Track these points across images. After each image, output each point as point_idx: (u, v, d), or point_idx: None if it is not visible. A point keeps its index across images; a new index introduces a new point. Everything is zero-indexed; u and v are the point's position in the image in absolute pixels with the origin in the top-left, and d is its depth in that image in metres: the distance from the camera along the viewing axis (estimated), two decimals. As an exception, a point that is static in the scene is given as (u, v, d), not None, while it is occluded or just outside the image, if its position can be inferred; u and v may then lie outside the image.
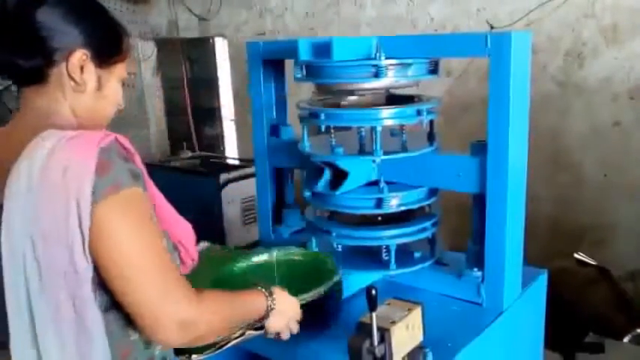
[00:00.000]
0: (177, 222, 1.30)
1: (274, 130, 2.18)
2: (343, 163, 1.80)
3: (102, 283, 1.09)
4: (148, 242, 1.10)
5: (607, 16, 3.24)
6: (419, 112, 1.77)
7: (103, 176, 1.04)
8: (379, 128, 1.74)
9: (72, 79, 1.16)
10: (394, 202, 1.85)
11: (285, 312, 1.42)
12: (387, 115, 1.74)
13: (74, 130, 1.14)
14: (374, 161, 1.80)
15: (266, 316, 1.37)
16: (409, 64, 1.75)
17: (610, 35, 3.24)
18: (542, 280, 1.96)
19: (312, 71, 1.81)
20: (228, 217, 4.27)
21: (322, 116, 1.78)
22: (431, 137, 1.90)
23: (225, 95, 5.77)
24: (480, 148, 1.71)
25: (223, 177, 4.29)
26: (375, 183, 1.88)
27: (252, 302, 1.36)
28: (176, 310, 1.09)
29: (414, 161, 1.82)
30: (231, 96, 5.56)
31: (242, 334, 1.40)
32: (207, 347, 1.42)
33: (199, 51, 5.85)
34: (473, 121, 3.44)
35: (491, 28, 3.60)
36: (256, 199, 2.32)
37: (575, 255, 3.05)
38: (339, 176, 1.81)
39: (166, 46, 5.99)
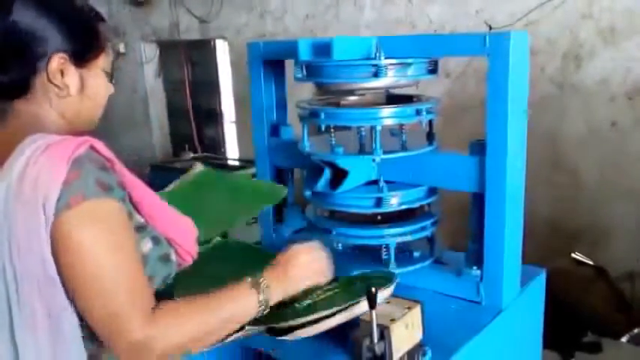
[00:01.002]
0: (174, 220, 1.28)
1: (274, 130, 2.19)
2: (343, 163, 1.81)
3: None
4: (104, 257, 1.07)
5: (604, 18, 3.25)
6: (418, 112, 1.78)
7: (69, 186, 1.03)
8: (379, 128, 1.75)
9: (54, 84, 1.15)
10: (394, 201, 1.85)
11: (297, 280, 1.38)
12: (387, 115, 1.75)
13: (63, 133, 1.14)
14: (374, 160, 1.80)
15: (265, 308, 1.29)
16: (409, 64, 1.76)
17: (607, 36, 3.26)
18: (541, 279, 1.97)
19: (312, 71, 1.82)
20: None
21: (322, 115, 1.79)
22: (430, 137, 1.90)
23: (226, 97, 5.79)
24: (479, 148, 1.72)
25: (224, 178, 4.29)
26: (375, 182, 1.88)
27: (235, 302, 1.26)
28: (126, 330, 1.07)
29: (414, 160, 1.82)
30: (232, 98, 5.57)
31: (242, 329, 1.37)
32: None
33: (200, 53, 5.87)
34: (472, 122, 3.45)
35: (490, 28, 3.61)
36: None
37: (573, 255, 3.07)
38: (339, 175, 1.82)
39: (168, 49, 6.01)
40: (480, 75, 3.40)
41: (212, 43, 5.68)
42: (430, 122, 1.88)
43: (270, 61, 2.13)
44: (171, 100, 6.32)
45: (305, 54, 1.75)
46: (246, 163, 4.75)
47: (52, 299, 1.06)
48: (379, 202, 1.85)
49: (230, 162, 5.19)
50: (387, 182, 1.87)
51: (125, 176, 1.14)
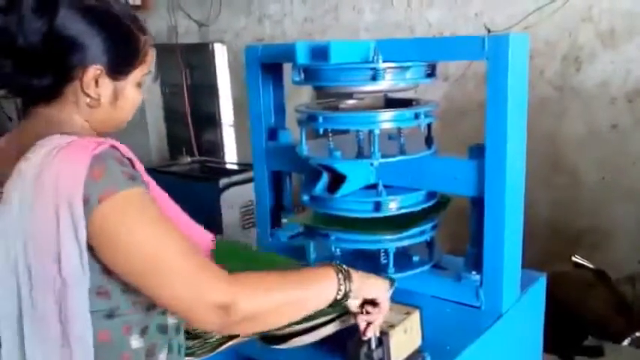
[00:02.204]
0: (188, 226, 1.28)
1: (272, 134, 2.18)
2: (341, 167, 1.80)
3: (107, 292, 1.09)
4: (159, 234, 1.07)
5: (604, 20, 3.25)
6: (417, 116, 1.77)
7: (97, 180, 1.02)
8: (377, 131, 1.74)
9: (86, 94, 1.15)
10: (393, 206, 1.84)
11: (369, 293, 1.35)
12: (385, 119, 1.74)
13: (81, 135, 1.14)
14: (372, 164, 1.79)
15: (343, 297, 1.28)
16: (407, 68, 1.75)
17: (607, 39, 3.26)
18: (541, 283, 1.96)
19: (309, 74, 1.81)
20: (228, 221, 4.28)
21: (320, 119, 1.78)
22: (429, 140, 1.90)
23: (224, 101, 5.78)
24: (478, 152, 1.71)
25: (223, 182, 4.31)
26: (374, 186, 1.87)
27: (315, 278, 1.26)
28: (208, 295, 1.07)
29: (412, 164, 1.81)
30: (231, 101, 5.57)
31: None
32: (204, 349, 1.42)
33: (198, 57, 5.87)
34: (471, 125, 3.45)
35: (489, 32, 3.61)
36: (255, 203, 2.31)
37: (573, 258, 3.06)
38: (337, 180, 1.81)
39: (166, 52, 6.01)
40: (479, 78, 3.41)
41: (210, 46, 5.67)
42: (429, 126, 1.87)
43: (267, 65, 2.12)
44: (168, 104, 6.32)
45: (302, 57, 1.75)
46: (244, 166, 4.74)
47: (65, 302, 1.05)
48: (378, 206, 1.84)
49: (228, 166, 5.18)
50: (385, 186, 1.86)
51: (146, 178, 1.15)
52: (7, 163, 1.10)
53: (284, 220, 2.23)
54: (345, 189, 1.80)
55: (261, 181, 2.23)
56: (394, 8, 4.09)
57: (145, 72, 1.25)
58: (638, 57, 3.18)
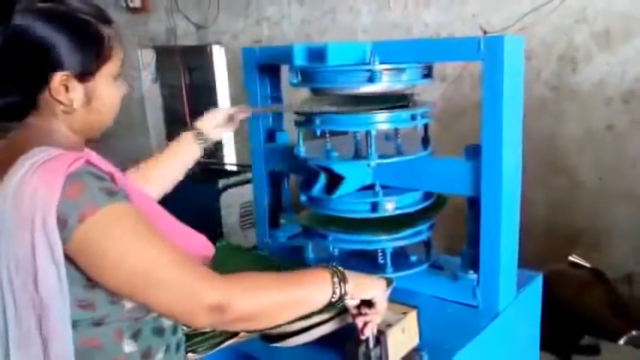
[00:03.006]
0: (187, 235, 1.28)
1: (270, 136, 2.19)
2: (338, 168, 1.81)
3: (92, 304, 1.09)
4: (144, 246, 1.07)
5: (599, 22, 3.26)
6: (413, 117, 1.78)
7: (75, 200, 1.01)
8: (374, 132, 1.76)
9: (58, 101, 1.12)
10: (390, 206, 1.85)
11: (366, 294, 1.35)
12: (382, 120, 1.76)
13: (69, 145, 1.14)
14: (369, 165, 1.81)
15: (338, 299, 1.28)
16: (403, 69, 1.77)
17: (602, 40, 3.27)
18: (538, 282, 1.97)
19: (307, 76, 1.83)
20: (227, 222, 4.29)
21: (317, 121, 1.79)
22: (425, 141, 1.91)
23: (223, 102, 5.78)
24: (474, 152, 1.72)
25: (222, 183, 4.31)
26: (371, 187, 1.88)
27: (310, 279, 1.26)
28: (202, 297, 1.07)
29: (409, 165, 1.82)
30: (229, 103, 5.57)
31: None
32: (206, 346, 1.43)
33: (197, 58, 5.87)
34: (467, 125, 3.46)
35: (484, 33, 3.62)
36: (253, 203, 2.32)
37: (570, 258, 3.07)
38: (335, 180, 1.82)
39: (165, 54, 6.01)
40: (476, 79, 3.42)
41: (209, 48, 5.68)
42: (425, 126, 1.88)
43: (265, 67, 2.13)
44: (168, 105, 6.32)
45: (299, 59, 1.76)
46: (243, 167, 4.75)
47: (44, 319, 1.04)
48: (375, 206, 1.85)
49: (227, 167, 5.19)
50: (382, 187, 1.87)
51: (132, 191, 1.13)
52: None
53: (282, 221, 2.24)
54: (342, 190, 1.81)
55: (260, 182, 2.24)
56: (391, 9, 4.10)
57: (117, 64, 1.20)
58: (634, 58, 3.19)
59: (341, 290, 1.28)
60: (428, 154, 1.86)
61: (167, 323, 1.24)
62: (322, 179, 1.85)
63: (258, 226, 2.30)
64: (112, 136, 1.23)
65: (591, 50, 3.31)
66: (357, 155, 1.88)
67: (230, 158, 5.78)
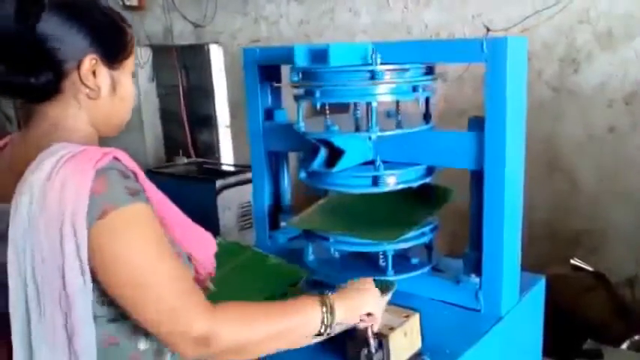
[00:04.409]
0: (196, 236, 1.27)
1: (269, 115, 2.17)
2: (339, 141, 1.78)
3: (111, 301, 1.09)
4: (151, 256, 1.07)
5: (601, 22, 3.25)
6: (415, 89, 1.76)
7: (99, 195, 1.02)
8: (375, 104, 1.73)
9: (86, 86, 1.14)
10: (391, 180, 1.82)
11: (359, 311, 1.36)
12: (383, 91, 1.73)
13: (84, 139, 1.15)
14: (370, 138, 1.77)
15: (325, 329, 1.27)
16: (405, 70, 1.75)
17: (604, 41, 3.26)
18: (540, 286, 1.96)
19: (308, 77, 1.81)
20: (225, 223, 4.27)
21: (317, 93, 1.77)
22: (427, 116, 1.89)
23: (220, 102, 5.77)
24: (477, 124, 1.70)
25: (219, 183, 4.30)
26: (372, 163, 1.86)
27: (299, 311, 1.25)
28: (188, 326, 1.06)
29: (411, 138, 1.80)
30: (227, 102, 5.56)
31: None
32: None
33: (194, 58, 5.85)
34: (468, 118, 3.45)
35: (487, 30, 3.60)
36: (252, 197, 2.29)
37: (572, 261, 3.06)
38: (335, 155, 1.79)
39: (162, 53, 5.99)
40: (477, 79, 3.40)
41: (206, 47, 5.66)
42: (427, 101, 1.87)
43: (265, 67, 2.12)
44: (164, 105, 6.30)
45: (301, 60, 1.74)
46: (241, 168, 4.73)
47: (69, 315, 1.04)
48: (376, 180, 1.82)
49: (224, 167, 5.17)
50: (384, 162, 1.84)
51: (149, 190, 1.13)
52: (15, 170, 1.09)
53: (283, 224, 2.22)
54: (343, 163, 1.79)
55: (260, 199, 2.22)
56: (391, 9, 4.08)
57: (133, 63, 1.26)
58: (636, 59, 3.18)
59: (330, 320, 1.27)
60: (430, 127, 1.85)
61: None
62: (323, 153, 1.83)
63: (257, 227, 2.28)
64: (107, 136, 1.22)
65: (593, 51, 3.30)
66: (358, 129, 1.86)
67: (227, 158, 5.76)
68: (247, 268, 1.95)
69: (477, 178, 1.73)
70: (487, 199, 1.69)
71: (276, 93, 2.20)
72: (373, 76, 1.72)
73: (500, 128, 1.63)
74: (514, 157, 1.70)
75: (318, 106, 1.84)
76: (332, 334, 1.30)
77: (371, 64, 1.72)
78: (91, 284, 1.04)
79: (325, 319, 1.26)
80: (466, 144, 1.72)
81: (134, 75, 1.29)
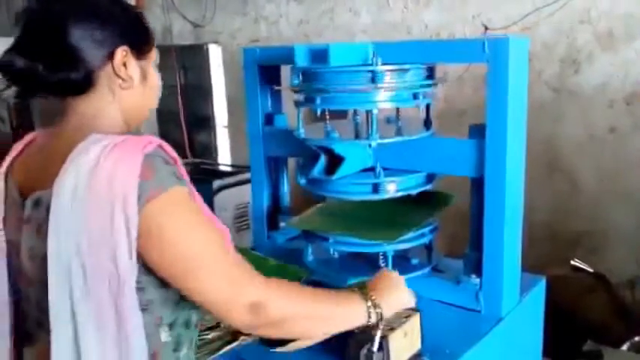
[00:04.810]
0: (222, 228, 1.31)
1: (268, 119, 2.17)
2: (339, 148, 1.78)
3: (143, 286, 1.12)
4: (202, 234, 1.12)
5: (602, 23, 3.25)
6: (415, 96, 1.76)
7: (148, 180, 1.06)
8: (375, 111, 1.73)
9: (119, 77, 1.20)
10: (391, 188, 1.83)
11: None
12: (384, 99, 1.73)
13: (119, 131, 1.19)
14: (370, 145, 1.77)
15: (371, 325, 1.35)
16: (406, 70, 1.75)
17: (605, 41, 3.25)
18: (541, 287, 1.96)
19: (308, 78, 1.80)
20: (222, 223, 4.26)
21: (318, 100, 1.77)
22: (427, 123, 1.88)
23: (218, 102, 5.76)
24: (478, 131, 1.70)
25: (217, 184, 4.29)
26: (372, 169, 1.86)
27: (346, 300, 1.33)
28: (245, 293, 1.12)
29: (411, 145, 1.80)
30: (225, 103, 5.56)
31: None
32: (205, 351, 1.42)
33: (193, 58, 5.84)
34: (468, 126, 3.44)
35: (485, 29, 3.60)
36: (251, 197, 2.28)
37: (572, 262, 3.06)
38: (335, 161, 1.79)
39: (160, 53, 5.97)
40: (478, 80, 3.40)
41: (205, 47, 5.65)
42: (427, 107, 1.87)
43: (265, 67, 2.12)
44: (162, 105, 6.23)
45: (301, 60, 1.74)
46: (238, 168, 4.73)
47: (121, 295, 1.07)
48: (376, 188, 1.82)
49: (222, 168, 5.16)
50: (384, 169, 1.84)
51: (185, 178, 1.17)
52: (51, 161, 1.13)
53: (282, 224, 2.22)
54: (343, 170, 1.79)
55: (259, 200, 2.21)
56: (390, 9, 4.08)
57: (155, 55, 1.33)
58: (637, 60, 3.18)
59: (376, 316, 1.34)
60: (430, 134, 1.84)
61: (195, 318, 1.27)
62: (322, 160, 1.83)
63: (255, 227, 2.27)
64: (126, 134, 1.24)
65: (594, 51, 3.29)
66: (358, 136, 1.86)
67: (225, 159, 5.75)
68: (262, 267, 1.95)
69: (478, 181, 1.72)
70: (488, 202, 1.69)
71: (276, 95, 2.20)
72: (374, 77, 1.72)
73: (502, 130, 1.63)
74: (515, 159, 1.69)
75: (319, 113, 1.83)
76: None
77: (371, 65, 1.72)
78: (135, 269, 1.08)
79: (370, 315, 1.33)
80: (467, 152, 1.72)
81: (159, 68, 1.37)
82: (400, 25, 4.04)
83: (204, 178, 4.50)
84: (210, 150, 6.00)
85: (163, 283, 1.14)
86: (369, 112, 1.74)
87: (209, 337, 1.49)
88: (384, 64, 1.71)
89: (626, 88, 3.22)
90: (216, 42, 5.38)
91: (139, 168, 1.05)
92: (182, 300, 1.19)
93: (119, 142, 1.09)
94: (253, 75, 2.11)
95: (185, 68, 5.96)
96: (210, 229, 1.14)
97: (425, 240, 1.90)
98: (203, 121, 5.95)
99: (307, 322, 1.24)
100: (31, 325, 1.21)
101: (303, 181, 1.93)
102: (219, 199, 4.27)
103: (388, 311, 1.38)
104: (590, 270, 2.99)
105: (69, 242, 1.05)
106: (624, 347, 2.60)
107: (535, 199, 3.38)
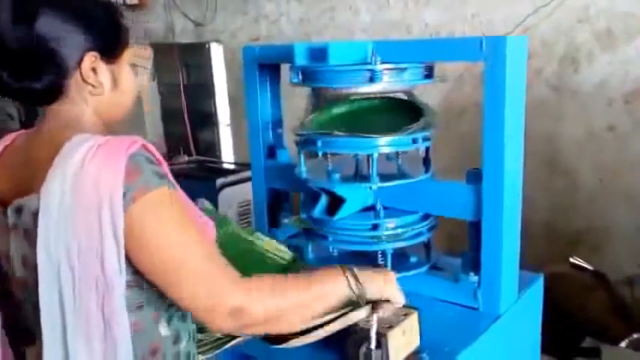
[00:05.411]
0: (202, 224, 1.31)
1: (270, 152, 2.19)
2: (340, 190, 1.81)
3: (139, 284, 1.14)
4: (184, 236, 1.12)
5: (601, 21, 3.25)
6: (414, 141, 1.78)
7: (132, 181, 1.06)
8: (375, 156, 1.75)
9: (88, 83, 1.18)
10: (391, 225, 1.87)
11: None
12: (384, 144, 1.75)
13: (98, 131, 1.18)
14: (371, 188, 1.81)
15: (354, 302, 1.32)
16: (404, 69, 1.75)
17: (605, 40, 3.25)
18: (539, 284, 1.96)
19: (307, 75, 1.81)
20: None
21: (319, 143, 1.78)
22: (426, 163, 1.91)
23: (221, 100, 5.77)
24: (475, 176, 1.72)
25: (220, 181, 4.29)
26: (372, 207, 1.90)
27: (325, 281, 1.29)
28: (225, 300, 1.11)
29: (410, 187, 1.83)
30: (227, 101, 5.57)
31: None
32: (208, 347, 1.43)
33: (195, 56, 5.84)
34: (468, 126, 3.45)
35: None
36: (252, 195, 2.31)
37: (571, 260, 3.06)
38: (336, 201, 1.82)
39: (162, 52, 5.99)
40: (477, 79, 3.40)
41: (207, 46, 5.66)
42: (427, 148, 1.89)
43: (265, 66, 2.12)
44: (165, 103, 6.29)
45: (301, 59, 1.75)
46: (241, 166, 4.73)
47: (108, 298, 1.07)
48: (376, 227, 1.86)
49: (225, 165, 5.17)
50: (384, 207, 1.89)
51: (170, 177, 1.18)
52: (32, 166, 1.13)
53: (285, 221, 2.23)
54: (343, 211, 1.82)
55: (260, 198, 2.24)
56: (390, 8, 4.08)
57: (131, 53, 1.29)
58: (636, 58, 3.18)
59: (359, 288, 1.32)
60: (429, 176, 1.86)
61: None
62: (323, 200, 1.86)
63: (256, 227, 2.28)
64: (108, 134, 1.24)
65: (593, 50, 3.29)
66: (359, 177, 1.89)
67: (228, 156, 5.76)
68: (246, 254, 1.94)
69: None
70: (486, 201, 1.70)
71: (276, 94, 2.21)
72: (372, 77, 1.73)
73: (499, 129, 1.63)
74: (513, 157, 1.70)
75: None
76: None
77: (370, 63, 1.73)
78: (124, 270, 1.08)
79: (351, 285, 1.31)
80: (464, 196, 1.74)
81: (143, 66, 1.33)
82: (400, 24, 4.04)
83: (208, 175, 4.51)
84: (213, 148, 6.01)
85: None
86: (369, 156, 1.76)
87: (211, 334, 1.50)
88: (382, 62, 1.72)
89: (625, 87, 3.22)
90: (217, 41, 5.39)
91: (123, 170, 1.05)
92: None
93: (102, 144, 1.08)
94: (253, 73, 2.12)
95: (187, 67, 5.96)
96: (193, 233, 1.13)
97: (423, 238, 1.91)
98: (206, 119, 5.96)
99: (292, 313, 1.22)
100: (32, 326, 1.21)
101: (304, 216, 1.96)
102: (222, 196, 4.28)
103: (370, 287, 1.35)
104: (590, 268, 3.00)
105: (59, 248, 1.05)
106: (623, 344, 2.60)
107: (534, 197, 3.38)
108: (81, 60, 1.15)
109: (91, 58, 1.16)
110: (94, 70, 1.17)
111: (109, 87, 1.22)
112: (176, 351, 1.24)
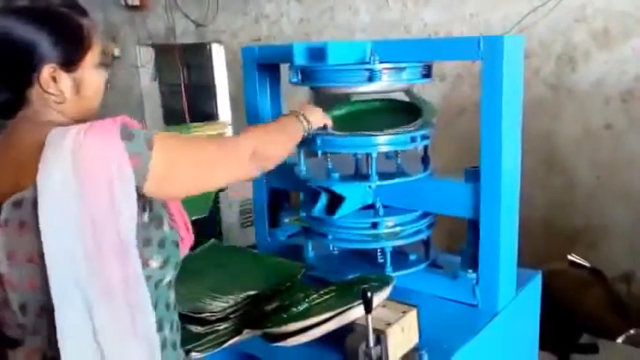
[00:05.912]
0: (180, 208, 1.35)
1: None
2: (339, 189, 1.83)
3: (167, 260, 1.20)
4: (197, 143, 1.33)
5: (598, 20, 3.26)
6: (413, 139, 1.79)
7: (134, 140, 1.11)
8: (374, 155, 1.77)
9: (49, 93, 1.17)
10: (390, 224, 1.88)
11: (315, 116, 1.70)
12: (383, 142, 1.76)
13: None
14: (370, 187, 1.83)
15: (304, 126, 1.64)
16: (403, 68, 1.77)
17: (601, 39, 3.26)
18: (537, 281, 1.98)
19: (307, 75, 1.83)
20: (226, 220, 4.28)
21: (319, 142, 1.80)
22: (425, 161, 1.92)
23: (222, 100, 5.78)
24: (473, 175, 1.74)
25: (221, 181, 4.29)
26: (371, 205, 1.92)
27: (285, 121, 1.63)
28: (244, 155, 1.36)
29: (409, 186, 1.85)
30: (228, 101, 5.58)
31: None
32: (209, 345, 1.44)
33: (196, 57, 5.86)
34: (467, 124, 3.46)
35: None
36: (252, 195, 2.32)
37: (569, 257, 3.07)
38: (336, 200, 1.84)
39: (164, 52, 6.00)
40: (476, 78, 3.41)
41: (208, 46, 5.67)
42: (425, 147, 1.90)
43: (265, 65, 2.13)
44: (167, 103, 6.32)
45: (300, 58, 1.76)
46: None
47: (124, 265, 1.10)
48: (375, 225, 1.88)
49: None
50: (383, 206, 1.90)
51: None
52: (7, 166, 1.15)
53: (286, 220, 2.24)
54: (343, 210, 1.84)
55: (260, 197, 2.25)
56: (390, 8, 4.09)
57: (97, 53, 1.26)
58: (633, 57, 3.19)
59: (308, 124, 1.65)
60: (428, 174, 1.88)
61: (172, 299, 1.30)
62: (323, 199, 1.88)
63: (257, 226, 2.30)
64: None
65: (590, 49, 3.31)
66: (358, 175, 1.90)
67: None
68: (247, 260, 1.97)
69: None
70: (484, 199, 1.71)
71: (276, 94, 2.22)
72: (371, 76, 1.74)
73: (496, 127, 1.64)
74: (511, 155, 1.71)
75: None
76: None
77: (369, 63, 1.74)
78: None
79: (304, 122, 1.64)
80: (463, 194, 1.77)
81: (108, 64, 1.35)
82: (399, 24, 4.05)
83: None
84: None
85: (144, 258, 1.16)
86: (368, 154, 1.79)
87: (220, 328, 1.53)
88: (381, 62, 1.74)
89: (621, 86, 3.23)
90: (218, 41, 5.40)
91: (118, 137, 1.09)
92: (160, 282, 1.22)
93: (89, 126, 1.10)
94: (252, 73, 2.13)
95: (189, 67, 5.98)
96: (198, 138, 1.36)
97: (422, 236, 1.93)
98: (207, 119, 5.98)
99: (275, 144, 1.52)
100: (14, 331, 1.20)
101: (304, 215, 1.98)
102: (224, 195, 4.28)
103: (312, 118, 1.66)
104: (587, 265, 3.00)
105: (69, 229, 1.06)
106: (620, 340, 2.62)
107: (532, 194, 3.39)
108: (39, 73, 1.15)
109: (49, 70, 1.15)
110: (54, 79, 1.17)
111: (70, 94, 1.20)
112: (162, 337, 1.24)
